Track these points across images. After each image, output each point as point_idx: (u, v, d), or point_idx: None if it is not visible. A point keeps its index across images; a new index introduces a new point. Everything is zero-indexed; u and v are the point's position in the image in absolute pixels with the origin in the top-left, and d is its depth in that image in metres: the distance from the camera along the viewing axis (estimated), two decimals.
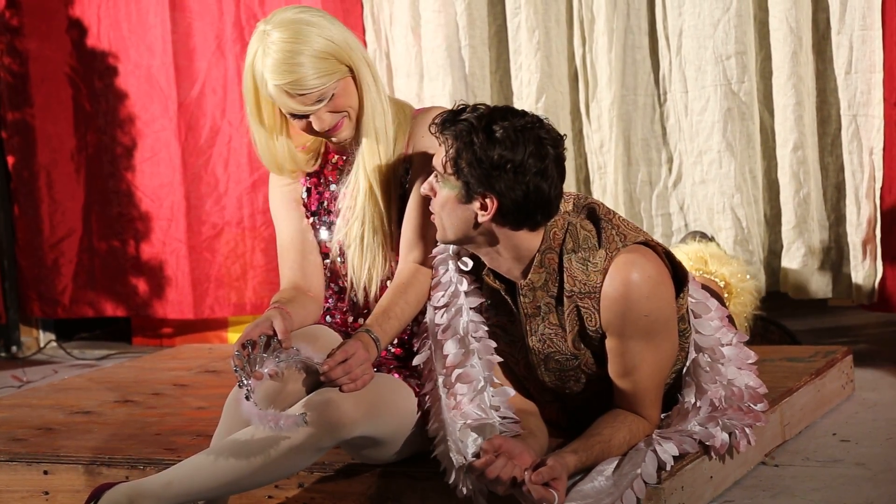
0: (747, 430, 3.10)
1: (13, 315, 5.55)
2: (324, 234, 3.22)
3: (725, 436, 3.06)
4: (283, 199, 3.25)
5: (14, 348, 5.56)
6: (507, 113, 2.86)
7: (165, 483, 2.85)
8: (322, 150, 3.25)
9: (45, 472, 3.33)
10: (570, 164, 4.73)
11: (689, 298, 3.05)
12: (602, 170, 4.72)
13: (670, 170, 4.69)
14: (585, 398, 3.08)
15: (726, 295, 3.86)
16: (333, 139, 3.11)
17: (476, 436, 2.92)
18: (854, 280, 4.45)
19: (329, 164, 3.24)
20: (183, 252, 5.23)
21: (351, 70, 3.05)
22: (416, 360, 3.08)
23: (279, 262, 3.26)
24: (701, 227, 4.61)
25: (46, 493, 3.32)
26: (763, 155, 4.58)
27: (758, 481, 3.25)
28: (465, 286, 3.04)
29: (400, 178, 3.14)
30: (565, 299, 2.94)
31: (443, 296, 3.04)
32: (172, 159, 5.21)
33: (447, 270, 3.05)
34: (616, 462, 2.92)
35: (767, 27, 4.49)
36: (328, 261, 3.23)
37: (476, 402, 2.98)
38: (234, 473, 2.85)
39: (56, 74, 5.39)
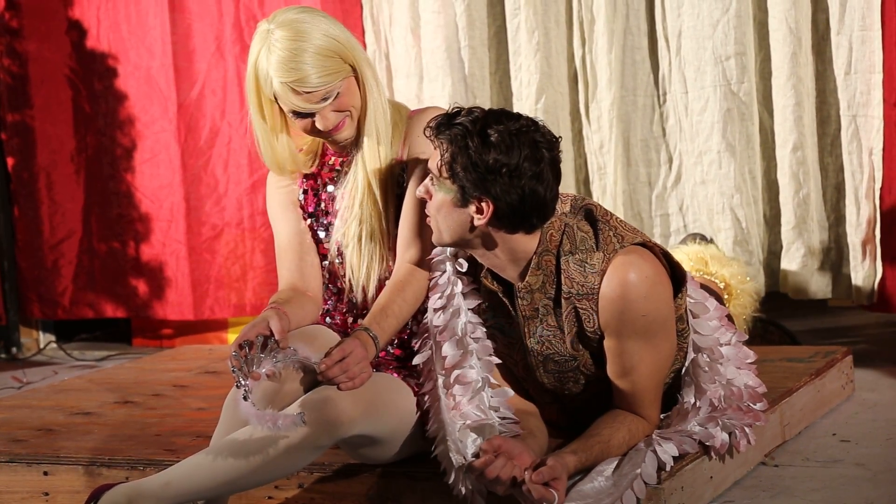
0: (747, 429, 3.11)
1: (13, 316, 5.55)
2: (321, 235, 3.23)
3: (725, 436, 3.06)
4: (281, 201, 3.26)
5: (14, 349, 5.56)
6: (501, 116, 2.86)
7: (164, 483, 2.85)
8: (320, 151, 3.25)
9: (45, 473, 3.33)
10: (569, 165, 4.75)
11: (688, 298, 3.05)
12: (602, 170, 4.72)
13: (669, 170, 4.69)
14: (584, 399, 3.08)
15: (726, 296, 3.87)
16: (334, 139, 3.11)
17: (475, 436, 2.92)
18: (854, 280, 4.45)
19: (326, 166, 3.24)
20: (183, 253, 5.23)
21: (354, 70, 3.06)
22: (417, 360, 3.08)
23: (277, 264, 3.26)
24: (700, 227, 4.61)
25: (46, 493, 3.32)
26: (762, 155, 4.58)
27: (758, 481, 3.25)
28: (462, 287, 3.04)
29: (397, 179, 3.15)
30: (563, 301, 2.94)
31: (440, 297, 3.04)
32: (172, 160, 5.22)
33: (445, 272, 3.05)
34: (616, 462, 2.92)
35: (767, 28, 4.50)
36: (326, 262, 3.23)
37: (475, 403, 2.99)
38: (233, 473, 2.86)
39: (56, 76, 5.39)
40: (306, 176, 3.25)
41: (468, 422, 2.95)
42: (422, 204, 2.99)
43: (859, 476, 3.24)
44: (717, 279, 3.89)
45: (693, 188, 4.63)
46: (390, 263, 3.15)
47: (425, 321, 3.10)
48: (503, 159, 2.81)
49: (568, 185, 4.73)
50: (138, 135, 5.28)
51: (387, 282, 3.13)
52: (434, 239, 2.96)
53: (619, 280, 2.89)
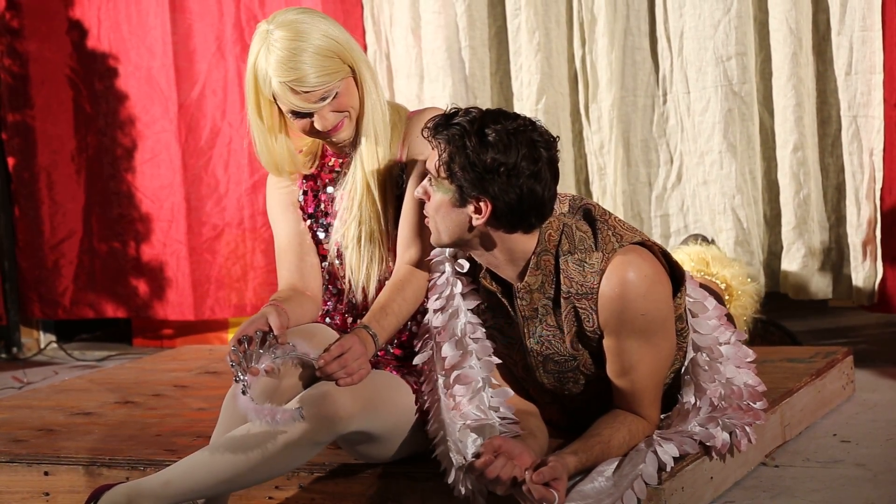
0: (747, 428, 3.11)
1: (14, 316, 5.55)
2: (321, 236, 3.23)
3: (726, 435, 3.06)
4: (280, 202, 3.26)
5: (15, 349, 5.56)
6: (499, 116, 2.86)
7: (164, 482, 2.86)
8: (319, 152, 3.26)
9: (46, 473, 3.33)
10: (570, 166, 4.75)
11: (687, 298, 3.05)
12: (602, 171, 4.72)
13: (670, 171, 4.69)
14: (584, 399, 3.08)
15: (727, 297, 3.87)
16: (333, 139, 3.12)
17: (476, 436, 2.92)
18: (854, 281, 4.45)
19: (325, 167, 3.24)
20: (183, 253, 5.24)
21: (353, 70, 3.06)
22: (417, 360, 3.08)
23: (277, 265, 3.27)
24: (701, 228, 4.61)
25: (47, 493, 3.32)
26: (763, 156, 4.58)
27: (758, 482, 3.25)
28: (461, 288, 3.04)
29: (396, 179, 3.15)
30: (562, 301, 2.94)
31: (439, 298, 3.05)
32: (173, 161, 5.22)
33: (444, 273, 3.05)
34: (616, 462, 2.92)
35: (767, 28, 4.50)
36: (326, 263, 3.23)
37: (475, 403, 2.99)
38: (232, 470, 2.86)
39: (56, 76, 5.39)
40: (306, 177, 3.25)
41: (468, 422, 2.95)
42: (421, 204, 2.99)
43: (860, 477, 3.24)
44: (718, 280, 3.89)
45: (695, 188, 4.64)
46: (390, 264, 3.15)
47: (426, 322, 3.10)
48: (501, 159, 2.81)
49: (568, 186, 4.73)
50: (139, 135, 5.29)
51: (387, 282, 3.13)
52: (433, 239, 2.96)
53: (618, 279, 2.89)
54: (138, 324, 5.52)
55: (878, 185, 4.38)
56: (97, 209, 5.40)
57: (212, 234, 5.21)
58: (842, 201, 4.50)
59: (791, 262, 4.51)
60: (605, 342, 2.95)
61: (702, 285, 3.32)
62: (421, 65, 4.88)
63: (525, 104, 4.71)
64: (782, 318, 4.59)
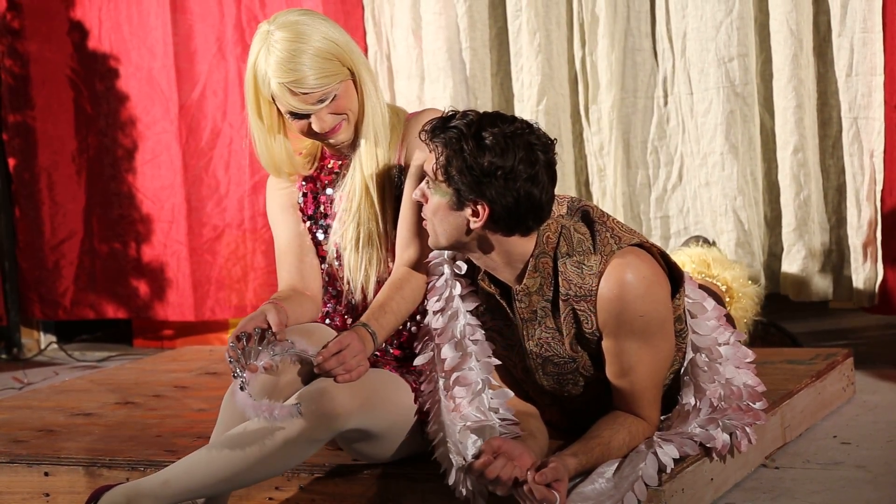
0: (747, 429, 3.11)
1: (14, 317, 5.55)
2: (320, 237, 3.23)
3: (726, 436, 3.06)
4: (280, 204, 3.26)
5: (15, 350, 5.57)
6: (496, 119, 2.86)
7: (163, 482, 2.86)
8: (318, 154, 3.26)
9: (46, 474, 3.33)
10: (570, 167, 4.75)
11: (686, 299, 3.05)
12: (602, 172, 4.72)
13: (670, 172, 4.69)
14: (584, 401, 3.08)
15: (728, 299, 3.87)
16: (331, 141, 3.12)
17: (476, 437, 2.92)
18: (854, 282, 4.45)
19: (325, 168, 3.24)
20: (184, 254, 5.24)
21: (352, 73, 3.06)
22: (418, 362, 3.08)
23: (277, 266, 3.27)
24: (702, 229, 4.61)
25: (47, 494, 3.33)
26: (763, 157, 4.58)
27: (758, 483, 3.25)
28: (460, 290, 3.04)
29: (394, 180, 3.15)
30: (561, 303, 2.94)
31: (438, 300, 3.05)
32: (173, 161, 5.22)
33: (442, 274, 3.05)
34: (617, 464, 2.92)
35: (768, 29, 4.50)
36: (325, 265, 3.23)
37: (475, 404, 2.99)
38: (231, 468, 2.86)
39: (57, 76, 5.39)
40: (305, 179, 3.25)
41: (468, 423, 2.95)
42: (419, 205, 3.00)
43: (860, 478, 3.24)
44: (718, 282, 3.89)
45: (696, 190, 4.63)
46: (389, 265, 3.15)
47: (426, 323, 3.10)
48: (498, 162, 2.81)
49: (568, 187, 4.73)
50: (139, 136, 5.29)
51: (386, 282, 3.13)
52: (430, 242, 2.97)
53: (616, 280, 2.89)
54: (139, 324, 5.52)
55: (879, 187, 4.38)
56: (98, 210, 5.40)
57: (212, 235, 5.21)
58: (842, 203, 4.50)
59: (791, 263, 4.51)
60: (604, 343, 2.95)
61: (702, 287, 3.32)
62: (422, 66, 4.88)
63: (526, 105, 4.71)
64: (783, 319, 4.59)
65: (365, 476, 3.09)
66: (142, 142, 5.28)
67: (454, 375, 3.00)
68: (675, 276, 3.00)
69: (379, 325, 3.01)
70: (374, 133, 3.11)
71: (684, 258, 3.97)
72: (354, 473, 3.10)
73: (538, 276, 2.94)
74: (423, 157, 2.99)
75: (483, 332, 3.05)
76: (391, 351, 3.20)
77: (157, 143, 5.26)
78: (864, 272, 4.42)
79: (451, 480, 2.93)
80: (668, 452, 2.94)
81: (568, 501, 2.81)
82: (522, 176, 2.82)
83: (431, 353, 3.07)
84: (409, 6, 4.87)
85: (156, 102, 5.24)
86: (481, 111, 2.91)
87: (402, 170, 3.15)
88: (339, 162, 3.21)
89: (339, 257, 3.19)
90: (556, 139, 2.92)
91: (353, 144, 3.14)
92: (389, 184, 3.15)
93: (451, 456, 2.93)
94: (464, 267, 3.04)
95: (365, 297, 3.17)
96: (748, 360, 3.18)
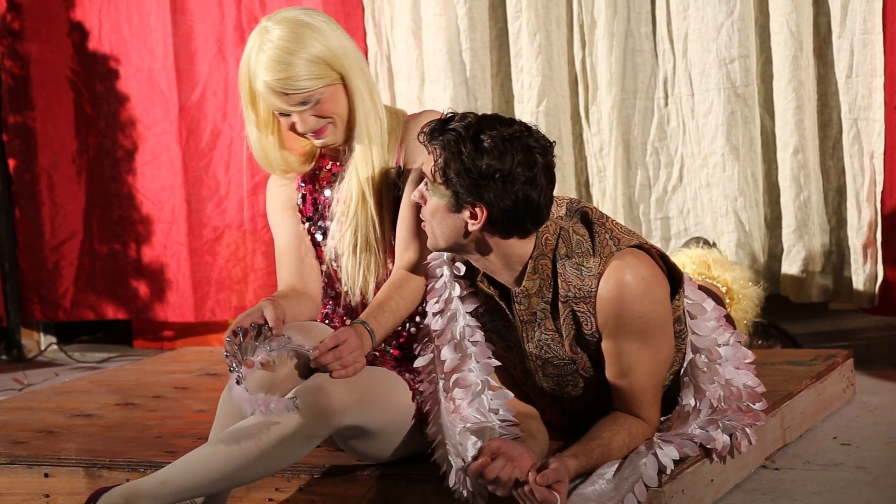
0: (747, 430, 3.11)
1: (14, 318, 5.55)
2: (319, 238, 3.23)
3: (726, 437, 3.06)
4: (280, 205, 3.27)
5: (15, 351, 5.56)
6: (495, 122, 2.86)
7: (161, 481, 2.85)
8: (317, 153, 3.26)
9: (46, 475, 3.33)
10: (570, 168, 4.75)
11: (686, 300, 3.05)
12: (602, 173, 4.72)
13: (670, 173, 4.69)
14: (584, 402, 3.08)
15: (728, 301, 3.87)
16: (317, 143, 3.12)
17: (476, 439, 2.92)
18: (855, 284, 4.45)
19: (323, 169, 3.24)
20: (184, 255, 5.24)
21: (343, 78, 3.06)
22: (418, 363, 3.08)
23: (276, 267, 3.27)
24: (702, 230, 4.61)
25: (47, 495, 3.32)
26: (763, 158, 4.58)
27: (758, 485, 3.25)
28: (459, 291, 3.04)
29: (393, 183, 3.14)
30: (560, 304, 2.94)
31: (437, 301, 3.05)
32: (173, 162, 5.22)
33: (442, 276, 3.05)
34: (617, 465, 2.92)
35: (768, 31, 4.50)
36: (324, 266, 3.23)
37: (475, 406, 2.99)
38: (229, 466, 2.85)
39: (57, 77, 5.39)
40: (304, 180, 3.25)
41: (468, 425, 2.95)
42: (418, 207, 3.00)
43: (860, 479, 3.24)
44: (719, 283, 3.89)
45: (696, 191, 4.63)
46: (388, 268, 3.15)
47: (426, 324, 3.10)
48: (496, 165, 2.81)
49: (569, 188, 4.73)
50: (139, 137, 5.29)
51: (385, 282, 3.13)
52: (429, 244, 2.96)
53: (615, 281, 2.89)
54: (139, 325, 5.52)
55: (879, 188, 4.38)
56: (98, 211, 5.40)
57: (212, 236, 5.22)
58: (842, 204, 4.50)
59: (791, 264, 4.51)
60: (604, 345, 2.96)
61: (702, 288, 3.32)
62: (422, 67, 4.88)
63: (526, 106, 4.71)
64: (783, 320, 4.59)
65: (365, 477, 3.09)
66: (142, 143, 5.28)
67: (454, 377, 3.00)
68: (674, 278, 3.00)
69: (377, 323, 3.01)
70: (368, 138, 3.10)
71: (685, 259, 3.97)
72: (354, 474, 3.10)
73: (537, 277, 2.94)
74: (422, 158, 2.99)
75: (483, 333, 3.04)
76: (391, 352, 3.20)
77: (157, 144, 5.26)
78: (864, 273, 4.42)
79: (451, 481, 2.93)
80: (668, 453, 2.94)
81: (568, 502, 2.81)
82: (521, 179, 2.82)
83: (431, 355, 3.07)
84: (409, 7, 4.88)
85: (156, 103, 5.24)
86: (480, 113, 2.91)
87: (401, 172, 3.15)
88: (338, 164, 3.21)
89: (337, 259, 3.19)
90: (555, 142, 2.92)
91: (350, 148, 3.13)
92: (387, 186, 3.14)
93: (450, 457, 2.93)
94: (463, 268, 3.04)
95: (364, 300, 3.16)
96: (748, 360, 3.18)
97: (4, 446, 3.51)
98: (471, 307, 3.04)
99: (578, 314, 2.94)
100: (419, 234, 3.07)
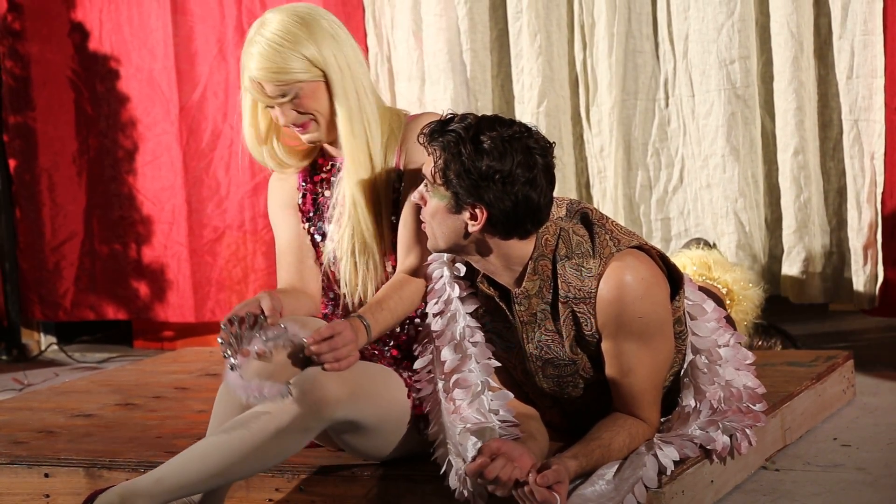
0: (748, 431, 3.11)
1: (14, 318, 5.55)
2: (318, 239, 3.23)
3: (726, 438, 3.06)
4: (281, 202, 3.27)
5: (15, 351, 5.56)
6: (494, 123, 2.86)
7: (156, 479, 2.85)
8: (317, 152, 3.25)
9: (46, 475, 3.33)
10: (570, 169, 4.75)
11: (686, 301, 3.05)
12: (602, 174, 4.72)
13: (671, 174, 4.69)
14: (584, 403, 3.08)
15: (728, 302, 3.86)
16: (303, 137, 3.13)
17: (476, 440, 2.92)
18: (855, 285, 4.45)
19: (323, 169, 3.24)
20: (184, 255, 5.24)
21: (326, 76, 3.05)
22: (418, 365, 3.08)
23: (277, 266, 3.27)
24: (703, 231, 4.61)
25: (47, 496, 3.32)
26: (764, 159, 4.58)
27: (758, 485, 3.25)
28: (459, 292, 3.04)
29: (393, 184, 3.14)
30: (560, 305, 2.94)
31: (437, 302, 3.04)
32: (174, 163, 5.22)
33: (441, 277, 3.05)
34: (617, 466, 2.91)
35: (769, 32, 4.50)
36: (324, 267, 3.23)
37: (475, 406, 2.98)
38: (224, 462, 2.85)
39: (58, 78, 5.39)
40: (305, 179, 3.25)
41: (468, 425, 2.95)
42: (419, 209, 3.00)
43: (860, 480, 3.24)
44: (719, 284, 3.89)
45: (697, 192, 4.64)
46: (387, 269, 3.14)
47: (426, 325, 3.09)
48: (496, 166, 2.81)
49: (569, 189, 4.73)
50: (140, 137, 5.29)
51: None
52: (429, 245, 2.96)
53: (615, 282, 2.89)
54: (139, 326, 5.52)
55: (879, 189, 4.38)
56: (98, 211, 5.40)
57: (213, 237, 5.22)
58: (843, 205, 4.51)
59: (792, 265, 4.51)
60: (604, 345, 2.95)
61: (702, 289, 3.32)
62: (422, 67, 4.88)
63: (526, 107, 4.71)
64: (783, 321, 4.59)
65: (365, 477, 3.09)
66: (142, 143, 5.29)
67: (454, 377, 3.00)
68: (674, 279, 3.00)
69: (374, 319, 3.00)
70: (353, 140, 3.08)
71: (685, 260, 3.97)
72: (354, 475, 3.10)
73: (537, 278, 2.94)
74: (422, 160, 2.99)
75: (483, 334, 3.04)
76: (391, 352, 3.19)
77: (157, 145, 5.26)
78: (864, 274, 4.42)
79: (451, 482, 2.93)
80: (668, 454, 2.94)
81: (568, 503, 2.81)
82: (520, 180, 2.82)
83: (430, 356, 3.06)
84: (409, 8, 4.88)
85: (156, 104, 5.24)
86: (480, 114, 2.91)
87: (401, 173, 3.14)
88: (333, 165, 3.21)
89: (335, 263, 3.19)
90: (554, 143, 2.92)
91: (340, 148, 3.13)
92: (385, 188, 3.13)
93: (451, 458, 2.93)
94: (463, 269, 3.04)
95: (363, 303, 3.16)
96: (748, 361, 3.18)
97: (5, 446, 3.51)
98: (471, 308, 3.04)
99: (578, 315, 2.94)
100: (420, 238, 3.06)
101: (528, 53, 4.70)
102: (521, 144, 2.83)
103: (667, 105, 4.66)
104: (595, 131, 4.72)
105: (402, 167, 3.14)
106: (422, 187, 2.93)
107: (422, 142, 2.89)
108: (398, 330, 3.17)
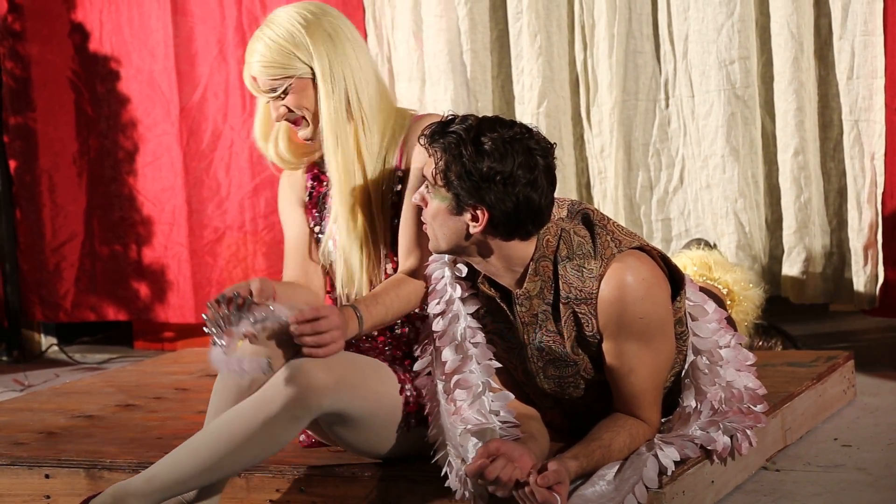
0: (748, 431, 3.11)
1: (15, 319, 5.55)
2: (321, 238, 3.23)
3: (727, 439, 3.06)
4: (289, 199, 3.27)
5: (16, 352, 5.56)
6: (495, 124, 2.86)
7: (149, 478, 2.85)
8: (321, 151, 3.25)
9: (47, 476, 3.33)
10: (571, 169, 4.75)
11: (687, 301, 3.05)
12: (602, 174, 4.72)
13: (671, 175, 4.69)
14: (585, 403, 3.08)
15: (729, 302, 3.86)
16: (299, 134, 3.14)
17: (476, 440, 2.92)
18: (855, 285, 4.45)
19: (324, 169, 3.24)
20: (185, 256, 5.24)
21: (314, 75, 3.06)
22: (418, 366, 3.08)
23: (284, 263, 3.27)
24: (703, 232, 4.61)
25: (48, 496, 3.33)
26: (764, 160, 4.58)
27: (759, 486, 3.25)
28: (461, 293, 3.04)
29: (392, 186, 3.13)
30: (561, 306, 2.95)
31: (438, 302, 3.04)
32: (174, 163, 5.22)
33: (443, 277, 3.05)
34: (618, 466, 2.92)
35: (769, 32, 4.50)
36: (323, 266, 3.24)
37: (476, 407, 2.99)
38: (215, 456, 2.85)
39: (58, 79, 5.39)
40: (313, 178, 3.25)
41: (469, 426, 2.95)
42: (419, 209, 3.00)
43: (861, 481, 3.24)
44: (720, 285, 3.89)
45: (697, 192, 4.64)
46: (386, 270, 3.14)
47: (427, 325, 3.09)
48: (497, 167, 2.81)
49: (569, 189, 4.73)
50: (140, 138, 5.29)
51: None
52: (431, 246, 2.96)
53: (616, 283, 2.89)
54: (139, 326, 5.52)
55: (880, 190, 4.38)
56: (98, 212, 5.40)
57: (213, 237, 5.22)
58: (843, 205, 4.51)
59: (792, 266, 4.51)
60: (605, 346, 2.96)
61: (703, 289, 3.32)
62: (422, 68, 4.88)
63: (526, 108, 4.71)
64: (783, 322, 4.59)
65: (366, 478, 3.09)
66: (143, 144, 5.29)
67: (455, 378, 3.00)
68: (675, 279, 3.00)
69: (368, 311, 2.98)
70: (333, 143, 3.07)
71: (686, 261, 3.97)
72: (355, 475, 3.10)
73: (538, 279, 2.94)
74: (423, 161, 2.99)
75: (483, 334, 3.04)
76: (390, 351, 3.19)
77: (157, 146, 5.26)
78: (864, 275, 4.42)
79: (451, 483, 2.93)
80: (668, 455, 2.94)
81: (568, 503, 2.81)
82: (521, 181, 2.82)
83: (430, 357, 3.07)
84: (409, 8, 4.88)
85: (157, 104, 5.24)
86: (481, 115, 2.91)
87: (403, 174, 3.14)
88: (324, 171, 3.21)
89: (333, 264, 3.19)
90: (555, 143, 2.92)
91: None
92: (384, 188, 3.13)
93: (451, 459, 2.93)
94: (464, 270, 3.04)
95: None
96: (749, 362, 3.18)
97: (5, 447, 3.51)
98: (472, 309, 3.04)
99: (580, 316, 2.94)
100: (421, 240, 3.05)
101: (529, 54, 4.70)
102: (522, 145, 2.83)
103: (667, 105, 4.67)
104: (595, 132, 4.72)
105: (403, 167, 3.14)
106: (423, 188, 2.93)
107: (422, 143, 2.90)
108: (398, 330, 3.17)
